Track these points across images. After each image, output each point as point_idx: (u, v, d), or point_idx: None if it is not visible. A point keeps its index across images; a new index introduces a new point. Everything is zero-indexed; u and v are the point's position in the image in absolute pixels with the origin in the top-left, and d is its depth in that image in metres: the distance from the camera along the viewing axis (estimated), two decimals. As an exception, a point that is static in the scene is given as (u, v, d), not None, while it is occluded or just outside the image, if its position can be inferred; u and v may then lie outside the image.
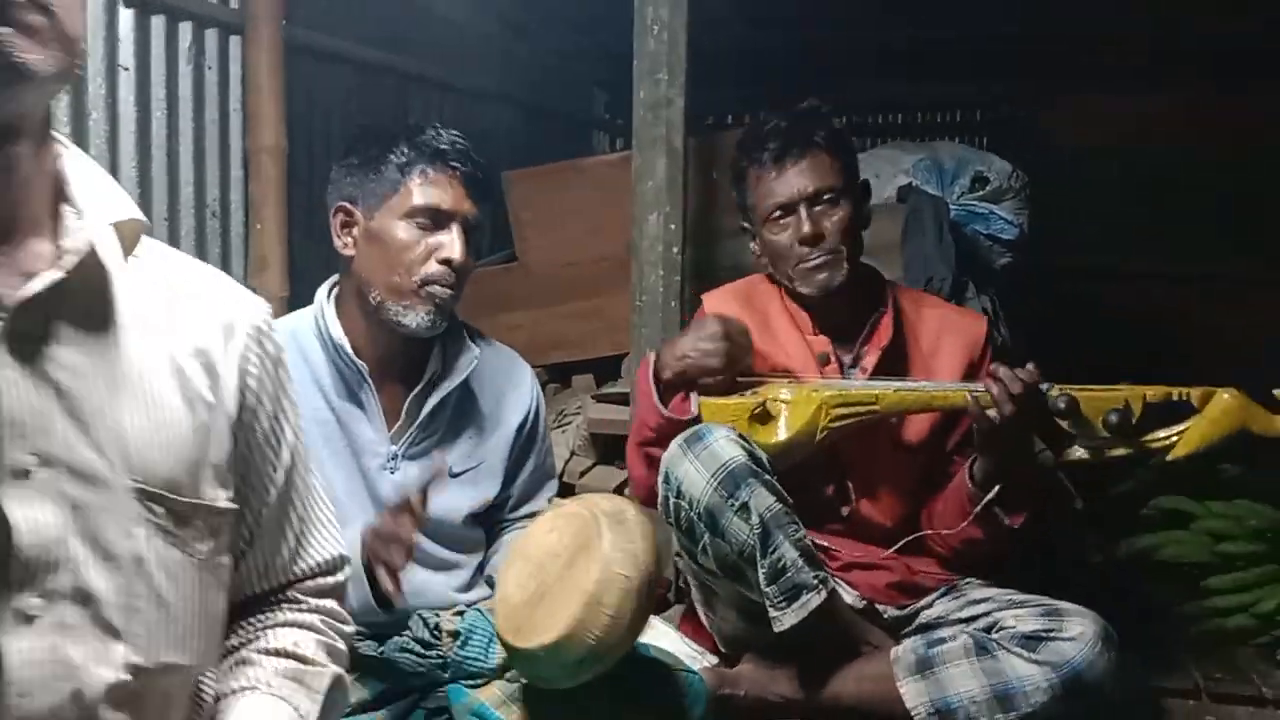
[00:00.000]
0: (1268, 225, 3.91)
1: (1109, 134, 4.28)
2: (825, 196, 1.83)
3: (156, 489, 0.87)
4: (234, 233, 2.47)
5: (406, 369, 1.66)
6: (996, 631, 1.67)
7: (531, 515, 1.79)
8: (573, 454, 2.62)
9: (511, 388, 1.77)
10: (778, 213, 1.85)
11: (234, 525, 0.97)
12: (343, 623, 1.09)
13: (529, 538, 1.47)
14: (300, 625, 1.04)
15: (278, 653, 1.00)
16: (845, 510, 1.87)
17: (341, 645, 1.07)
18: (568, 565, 1.38)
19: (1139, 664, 1.97)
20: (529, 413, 1.77)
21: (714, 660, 1.83)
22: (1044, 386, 1.67)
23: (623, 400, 2.55)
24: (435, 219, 1.61)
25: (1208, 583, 2.39)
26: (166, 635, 0.88)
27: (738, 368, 1.79)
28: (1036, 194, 3.34)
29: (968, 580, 1.86)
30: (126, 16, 2.13)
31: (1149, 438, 1.68)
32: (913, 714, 1.64)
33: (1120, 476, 2.64)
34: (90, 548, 0.83)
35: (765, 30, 3.93)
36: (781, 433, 1.75)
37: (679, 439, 1.69)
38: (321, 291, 1.69)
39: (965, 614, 1.75)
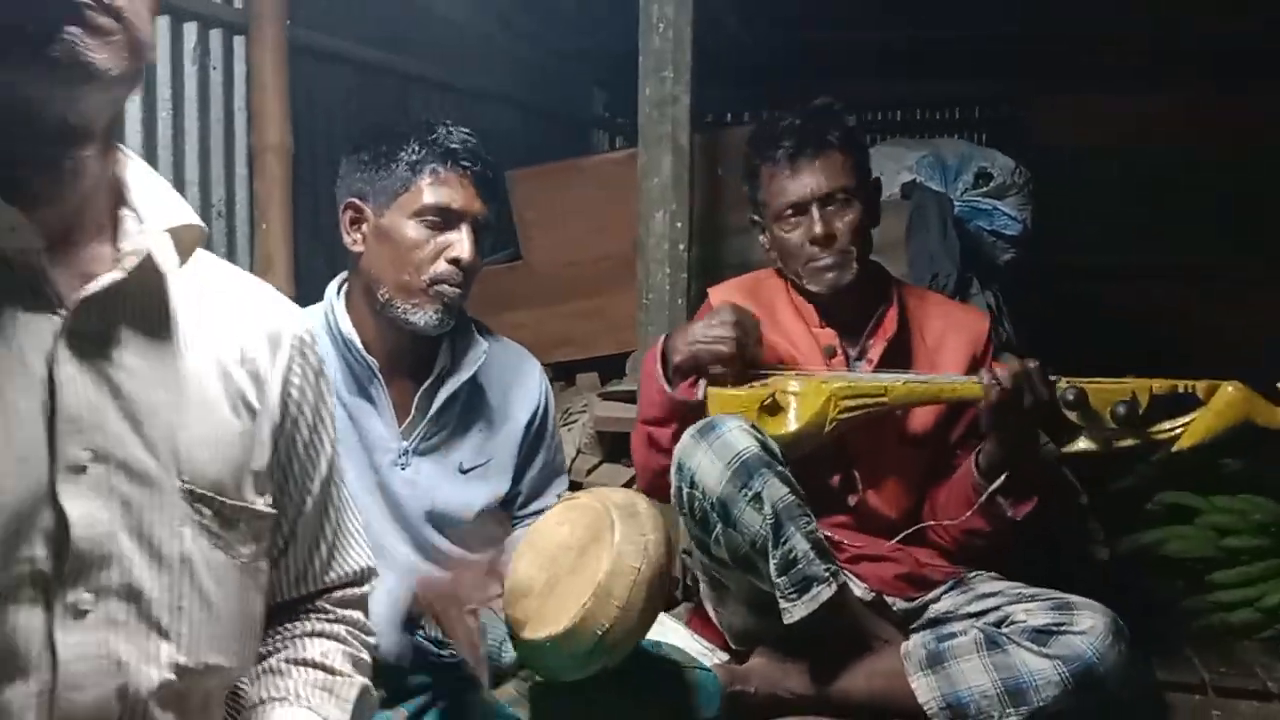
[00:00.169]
0: (1268, 224, 3.93)
1: (1109, 133, 4.30)
2: (838, 196, 1.84)
3: (204, 490, 0.88)
4: (239, 232, 2.47)
5: (416, 364, 1.66)
6: (1007, 626, 1.68)
7: (542, 511, 1.79)
8: (579, 452, 2.62)
9: (520, 383, 1.77)
10: (790, 211, 1.85)
11: (272, 531, 0.98)
12: (367, 634, 1.10)
13: (540, 530, 1.48)
14: (327, 636, 1.05)
15: (306, 663, 1.02)
16: (853, 500, 1.88)
17: (366, 656, 1.08)
18: (579, 557, 1.39)
19: (1144, 659, 1.97)
20: (538, 408, 1.78)
21: (724, 657, 1.84)
22: (1051, 379, 1.69)
23: (629, 398, 2.55)
24: (445, 218, 1.61)
25: (1212, 577, 2.40)
26: (210, 636, 0.89)
27: (748, 356, 1.80)
28: (1037, 193, 3.35)
29: (975, 573, 1.86)
30: (132, 16, 2.13)
31: (1155, 429, 1.70)
32: (924, 709, 1.64)
33: (1124, 472, 2.66)
34: (140, 545, 0.84)
35: (765, 28, 3.93)
36: (791, 424, 1.76)
37: (692, 429, 1.70)
38: (331, 288, 1.69)
39: (975, 608, 1.76)
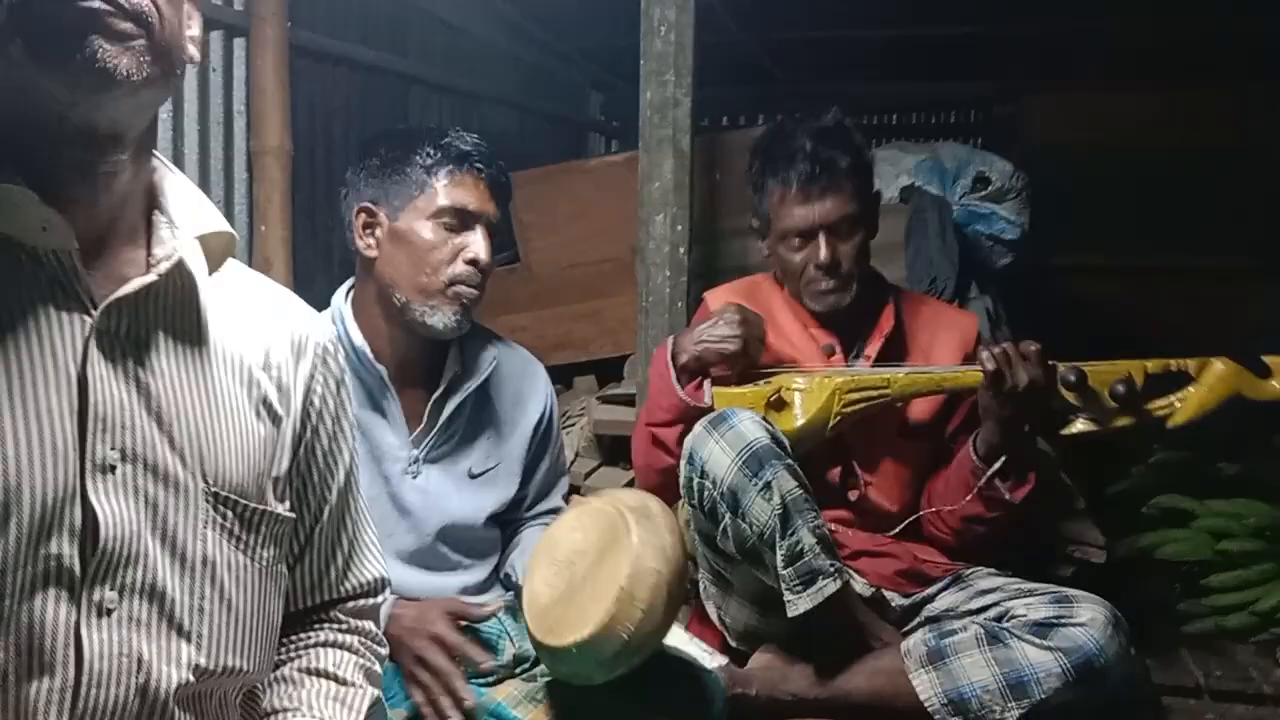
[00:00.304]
0: (1257, 220, 3.96)
1: (1105, 132, 4.31)
2: (845, 224, 1.86)
3: (228, 493, 0.89)
4: (238, 235, 2.45)
5: (425, 372, 1.66)
6: (1007, 620, 1.69)
7: (546, 513, 1.80)
8: (577, 455, 2.62)
9: (527, 388, 1.77)
10: (796, 237, 1.88)
11: (291, 536, 0.99)
12: (380, 645, 1.11)
13: (554, 537, 1.48)
14: (340, 646, 1.06)
15: (319, 673, 1.03)
16: (853, 495, 1.90)
17: (378, 668, 1.09)
18: (596, 562, 1.39)
19: (1140, 663, 1.99)
20: (544, 412, 1.78)
21: (722, 660, 1.84)
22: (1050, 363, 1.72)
23: (628, 401, 2.55)
24: (462, 219, 1.61)
25: (1208, 581, 2.41)
26: (229, 639, 0.90)
27: (752, 355, 1.83)
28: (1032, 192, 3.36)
29: (973, 570, 1.88)
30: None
31: (1151, 406, 1.74)
32: (926, 706, 1.65)
33: (1119, 476, 2.67)
34: (163, 546, 0.85)
35: (760, 29, 3.93)
36: (798, 418, 1.79)
37: (704, 421, 1.72)
38: (339, 295, 1.69)
39: (974, 605, 1.77)
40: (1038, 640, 1.62)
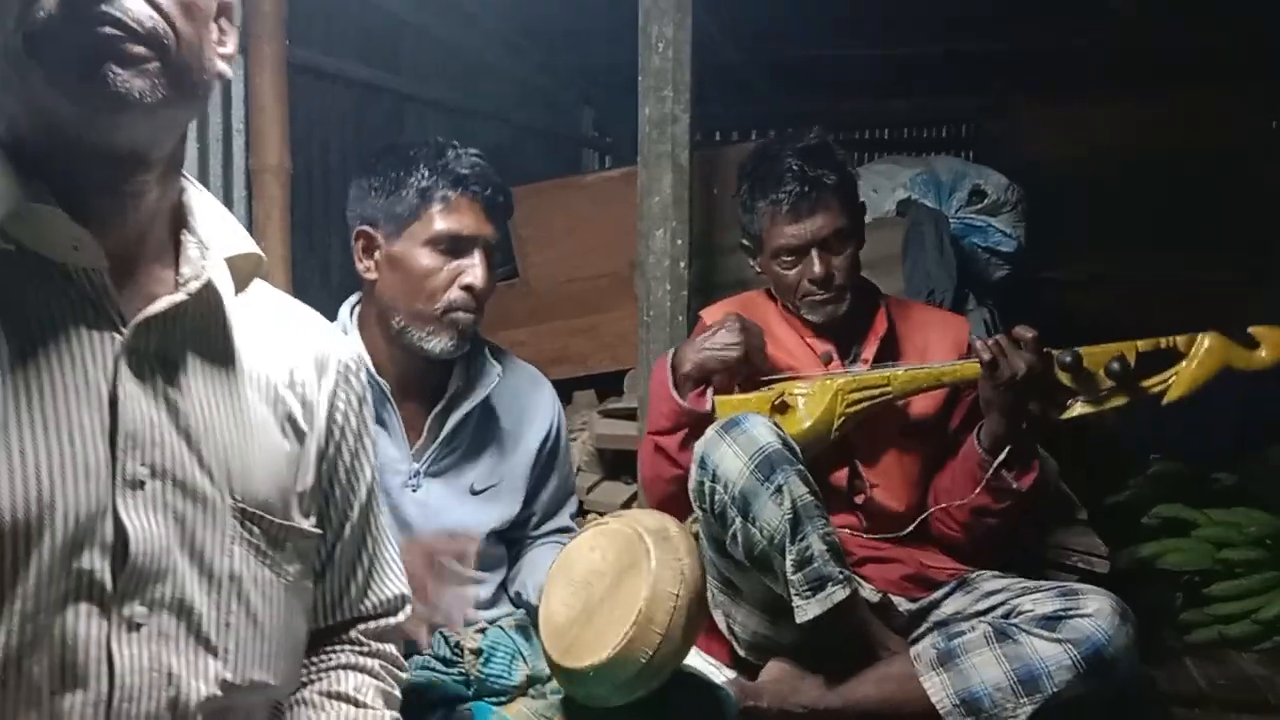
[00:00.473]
0: (1253, 229, 3.99)
1: (1085, 144, 4.34)
2: (835, 239, 1.89)
3: (254, 509, 0.90)
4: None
5: (428, 387, 1.66)
6: (1015, 616, 1.70)
7: (554, 532, 1.79)
8: (579, 469, 2.62)
9: (532, 405, 1.77)
10: (788, 254, 1.91)
11: (316, 552, 1.00)
12: (399, 668, 1.11)
13: (570, 557, 1.47)
14: (361, 669, 1.06)
15: (339, 696, 1.03)
16: (860, 498, 1.91)
17: (397, 692, 1.09)
18: (614, 584, 1.38)
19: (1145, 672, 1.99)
20: (550, 430, 1.77)
21: (731, 674, 1.84)
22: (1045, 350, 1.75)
23: (630, 415, 2.55)
24: (457, 245, 1.60)
25: (1210, 590, 2.42)
26: (255, 653, 0.90)
27: (754, 362, 1.86)
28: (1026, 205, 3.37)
29: (978, 573, 1.88)
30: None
31: (1145, 383, 1.77)
32: (938, 708, 1.64)
33: (1119, 486, 2.68)
34: (191, 561, 0.85)
35: (754, 46, 3.96)
36: (804, 421, 1.81)
37: (715, 425, 1.73)
38: (344, 310, 1.69)
39: (982, 606, 1.78)
40: (1046, 633, 1.63)
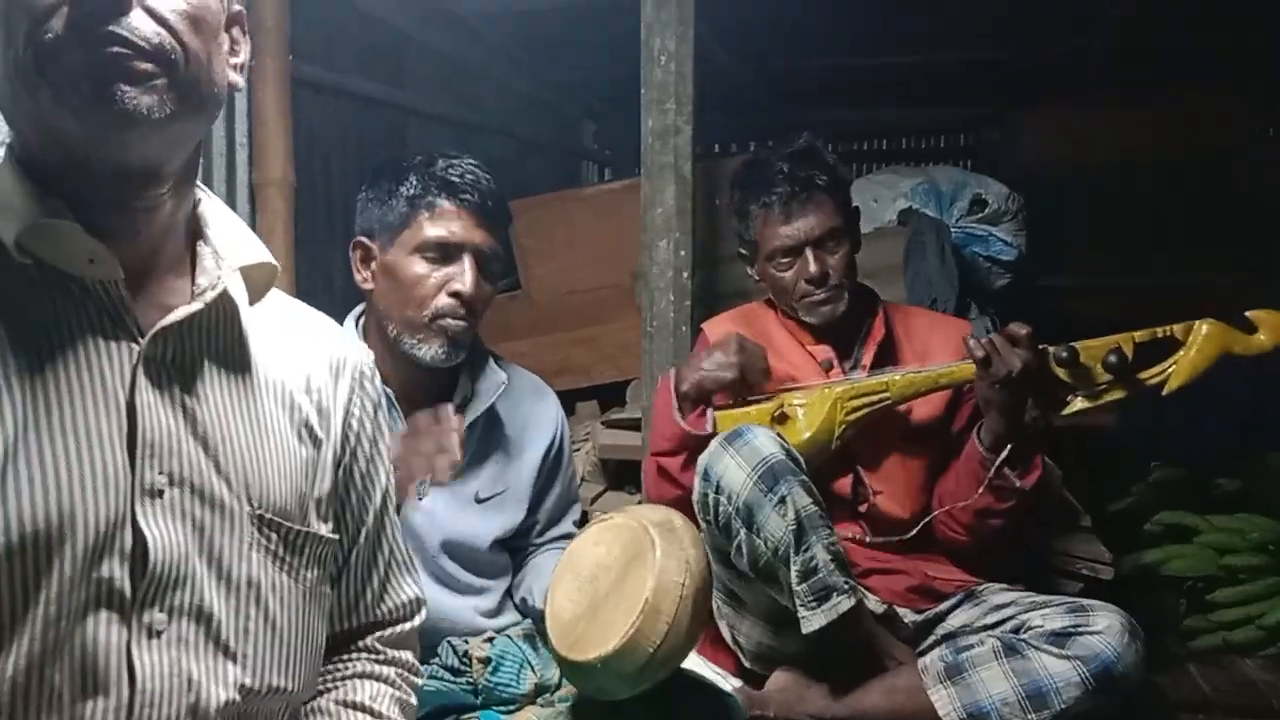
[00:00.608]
0: (1252, 236, 3.99)
1: (1083, 152, 4.35)
2: (829, 237, 1.91)
3: (272, 516, 0.91)
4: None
5: (433, 396, 1.66)
6: (1024, 632, 1.69)
7: (558, 539, 1.80)
8: (583, 480, 2.62)
9: (536, 413, 1.78)
10: (783, 255, 1.92)
11: (333, 557, 1.00)
12: (415, 675, 1.12)
13: (576, 552, 1.48)
14: (377, 678, 1.06)
15: (355, 706, 1.03)
16: (864, 506, 1.92)
17: (413, 700, 1.10)
18: (620, 577, 1.39)
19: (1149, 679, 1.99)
20: (554, 439, 1.79)
21: (736, 683, 1.84)
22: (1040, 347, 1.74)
23: (633, 426, 2.56)
24: (445, 251, 1.62)
25: (1213, 596, 2.42)
26: (274, 659, 0.91)
27: (750, 383, 1.86)
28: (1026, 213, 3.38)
29: (985, 586, 1.88)
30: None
31: (1144, 374, 1.74)
32: None
33: (1121, 493, 2.68)
34: (210, 568, 0.86)
35: (752, 58, 3.98)
36: (804, 431, 1.81)
37: (719, 437, 1.74)
38: (349, 320, 1.70)
39: (990, 620, 1.77)
40: (1056, 650, 1.63)
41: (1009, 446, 1.76)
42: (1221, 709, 2.13)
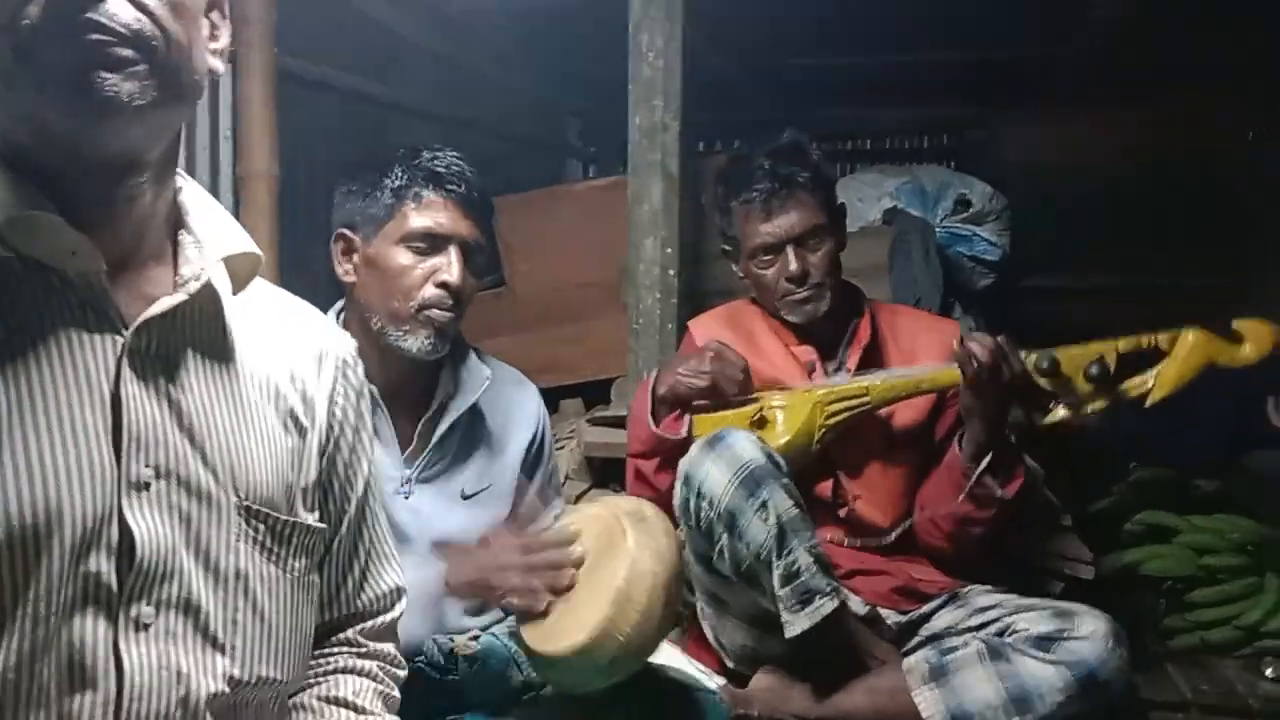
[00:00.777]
0: (1237, 238, 4.02)
1: (1067, 154, 4.36)
2: (811, 235, 1.90)
3: (259, 507, 0.90)
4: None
5: (417, 392, 1.66)
6: (1009, 635, 1.70)
7: (541, 533, 1.79)
8: (568, 477, 2.62)
9: (518, 407, 1.77)
10: (765, 252, 1.92)
11: (319, 547, 1.00)
12: (398, 668, 1.11)
13: None
14: (359, 673, 1.06)
15: (338, 701, 1.03)
16: (843, 512, 1.91)
17: (396, 693, 1.10)
18: (592, 568, 1.38)
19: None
20: (536, 433, 1.78)
21: (720, 681, 1.84)
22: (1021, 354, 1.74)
23: (618, 423, 2.56)
24: (431, 242, 1.60)
25: (1192, 596, 2.44)
26: (263, 650, 0.90)
27: (725, 392, 1.84)
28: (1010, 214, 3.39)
29: (970, 588, 1.89)
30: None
31: (1127, 385, 1.73)
32: None
33: (1101, 493, 2.70)
34: (198, 560, 0.86)
35: (738, 56, 3.98)
36: (782, 436, 1.80)
37: (700, 441, 1.73)
38: (330, 315, 1.68)
39: (974, 622, 1.78)
40: (1040, 654, 1.63)
41: (990, 455, 1.76)
42: (1199, 708, 2.15)
